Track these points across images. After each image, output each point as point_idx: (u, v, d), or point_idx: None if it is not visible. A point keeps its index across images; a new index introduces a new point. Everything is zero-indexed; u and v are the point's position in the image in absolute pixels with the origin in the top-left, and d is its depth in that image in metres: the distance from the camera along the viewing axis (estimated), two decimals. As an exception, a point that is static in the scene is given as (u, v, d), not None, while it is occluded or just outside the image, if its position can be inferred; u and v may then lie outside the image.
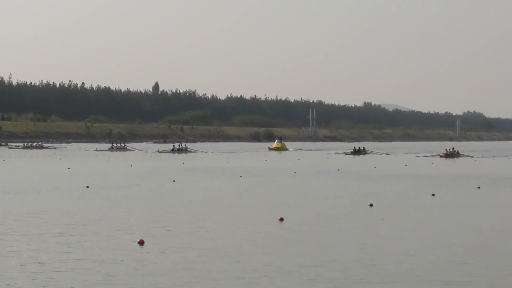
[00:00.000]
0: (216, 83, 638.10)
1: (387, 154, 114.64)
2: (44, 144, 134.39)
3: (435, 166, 73.19)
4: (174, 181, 45.11)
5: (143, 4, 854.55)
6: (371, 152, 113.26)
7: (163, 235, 21.00)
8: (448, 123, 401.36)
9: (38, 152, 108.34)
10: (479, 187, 41.77)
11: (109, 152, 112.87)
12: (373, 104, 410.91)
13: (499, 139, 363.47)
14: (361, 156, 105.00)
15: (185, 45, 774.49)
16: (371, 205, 30.41)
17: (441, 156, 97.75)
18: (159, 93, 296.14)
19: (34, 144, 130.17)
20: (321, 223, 24.37)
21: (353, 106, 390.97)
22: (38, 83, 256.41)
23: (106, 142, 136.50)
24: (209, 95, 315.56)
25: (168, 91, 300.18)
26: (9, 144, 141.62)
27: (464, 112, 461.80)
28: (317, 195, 36.01)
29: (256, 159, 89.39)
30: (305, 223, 24.24)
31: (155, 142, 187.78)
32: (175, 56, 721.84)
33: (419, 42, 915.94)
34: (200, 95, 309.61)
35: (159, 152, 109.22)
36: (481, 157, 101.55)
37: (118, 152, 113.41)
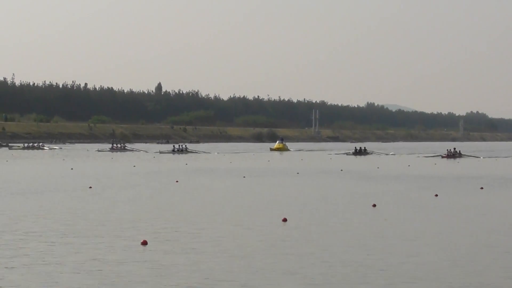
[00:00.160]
0: (219, 84, 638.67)
1: (386, 154, 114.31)
2: (44, 145, 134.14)
3: (438, 166, 73.12)
4: (177, 181, 45.10)
5: (146, 4, 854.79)
6: (372, 153, 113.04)
7: (166, 236, 20.99)
8: (451, 124, 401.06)
9: (39, 153, 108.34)
10: (482, 188, 41.73)
11: (110, 152, 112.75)
12: (376, 104, 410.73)
13: (502, 140, 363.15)
14: (364, 156, 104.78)
15: (188, 46, 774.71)
16: (374, 205, 30.39)
17: (442, 157, 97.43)
18: (162, 93, 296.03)
19: (35, 144, 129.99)
20: (325, 224, 24.37)
21: (356, 106, 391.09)
22: (41, 84, 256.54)
23: (109, 143, 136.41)
24: (212, 96, 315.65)
25: (171, 92, 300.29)
26: (9, 145, 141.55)
27: (467, 113, 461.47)
28: (320, 195, 36.00)
29: (259, 160, 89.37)
30: (308, 224, 24.23)
31: (158, 143, 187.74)
32: (178, 56, 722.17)
33: (422, 42, 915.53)
34: (203, 95, 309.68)
35: (160, 152, 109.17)
36: (485, 157, 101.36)
37: (118, 152, 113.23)
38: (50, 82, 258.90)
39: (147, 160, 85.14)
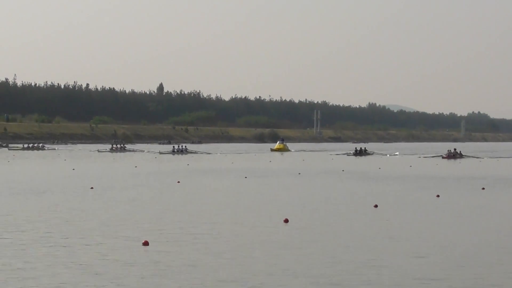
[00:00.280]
0: (220, 84, 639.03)
1: (390, 155, 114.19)
2: (45, 146, 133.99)
3: (439, 167, 73.10)
4: (178, 182, 45.12)
5: (148, 5, 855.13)
6: (373, 153, 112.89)
7: (168, 236, 20.99)
8: (452, 124, 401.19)
9: (39, 153, 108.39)
10: (483, 188, 41.71)
11: (110, 153, 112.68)
12: (377, 105, 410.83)
13: (503, 140, 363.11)
14: (366, 157, 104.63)
15: (190, 46, 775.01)
16: (376, 206, 30.39)
17: (443, 157, 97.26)
18: (164, 94, 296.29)
19: (35, 145, 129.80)
20: (326, 224, 24.37)
21: (357, 107, 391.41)
22: (42, 84, 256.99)
23: (111, 143, 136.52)
24: (213, 96, 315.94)
25: (172, 92, 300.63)
26: (9, 145, 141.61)
27: (468, 113, 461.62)
28: (322, 196, 36.00)
29: (261, 160, 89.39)
30: (310, 224, 24.23)
31: (160, 143, 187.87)
32: (179, 57, 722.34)
33: (423, 42, 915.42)
34: (205, 96, 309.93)
35: (160, 153, 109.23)
36: (487, 158, 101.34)
37: (118, 153, 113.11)
38: (52, 82, 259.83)
39: (149, 160, 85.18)
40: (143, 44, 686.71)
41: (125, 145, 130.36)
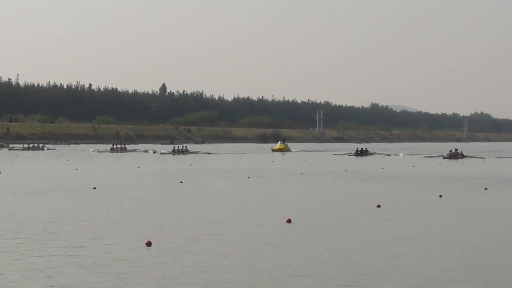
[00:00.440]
0: (223, 84, 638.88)
1: (394, 155, 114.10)
2: (44, 146, 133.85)
3: (442, 167, 73.07)
4: (181, 182, 45.14)
5: (150, 5, 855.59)
6: (374, 153, 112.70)
7: (171, 237, 21.00)
8: (455, 124, 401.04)
9: (40, 154, 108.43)
10: (486, 188, 41.69)
11: (110, 153, 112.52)
12: (380, 105, 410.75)
13: (506, 140, 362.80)
14: (368, 157, 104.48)
15: (192, 46, 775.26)
16: (378, 206, 30.39)
17: (444, 157, 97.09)
18: (166, 94, 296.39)
19: (35, 145, 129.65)
20: (329, 224, 24.37)
21: (360, 107, 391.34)
22: (45, 85, 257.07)
23: (114, 144, 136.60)
24: (216, 96, 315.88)
25: (175, 92, 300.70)
26: (10, 145, 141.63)
27: (471, 113, 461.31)
28: (325, 196, 35.99)
29: (263, 160, 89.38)
30: (313, 224, 24.22)
31: (162, 143, 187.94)
32: (182, 57, 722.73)
33: (426, 42, 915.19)
34: (207, 96, 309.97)
35: (160, 153, 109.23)
36: (490, 158, 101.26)
37: (119, 153, 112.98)
38: (54, 82, 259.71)
39: (151, 161, 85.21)
40: (146, 44, 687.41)
41: (125, 145, 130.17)
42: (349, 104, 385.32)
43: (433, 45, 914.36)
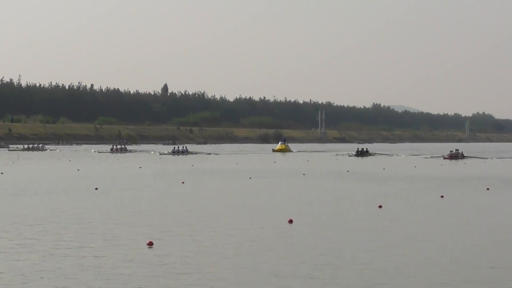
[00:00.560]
0: (225, 85, 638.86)
1: (390, 155, 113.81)
2: (44, 146, 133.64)
3: (444, 167, 73.06)
4: (183, 182, 45.16)
5: (152, 6, 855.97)
6: (374, 154, 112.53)
7: (172, 237, 21.02)
8: (457, 125, 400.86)
9: (41, 154, 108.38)
10: (488, 189, 41.69)
11: (110, 154, 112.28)
12: (382, 105, 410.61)
13: (508, 141, 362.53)
14: (369, 157, 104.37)
15: (194, 47, 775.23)
16: (380, 206, 30.41)
17: (444, 158, 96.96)
18: (168, 94, 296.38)
19: (35, 146, 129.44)
20: (331, 225, 24.38)
21: (362, 107, 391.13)
22: (47, 85, 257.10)
23: (116, 144, 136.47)
24: (218, 97, 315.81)
25: (177, 93, 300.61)
26: (10, 146, 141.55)
27: (473, 114, 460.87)
28: (326, 196, 36.01)
29: (265, 161, 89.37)
30: (314, 225, 24.24)
31: (164, 144, 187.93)
32: (184, 57, 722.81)
33: (428, 43, 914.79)
34: (209, 96, 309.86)
35: (160, 154, 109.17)
36: (491, 158, 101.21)
37: (118, 154, 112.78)
38: (56, 83, 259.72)
39: (153, 161, 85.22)
40: (148, 45, 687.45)
41: (126, 146, 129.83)
42: (351, 105, 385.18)
43: (435, 46, 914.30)
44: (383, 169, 66.72)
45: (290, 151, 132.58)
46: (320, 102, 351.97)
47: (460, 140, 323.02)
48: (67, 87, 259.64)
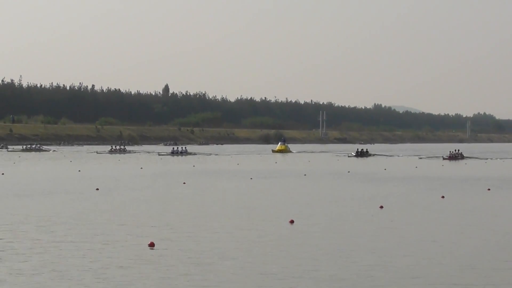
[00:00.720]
0: (226, 85, 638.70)
1: (390, 156, 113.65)
2: (42, 146, 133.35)
3: (445, 168, 73.06)
4: (184, 183, 45.16)
5: (153, 6, 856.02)
6: (374, 155, 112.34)
7: (174, 238, 21.03)
8: (458, 125, 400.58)
9: (41, 155, 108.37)
10: (489, 189, 41.70)
11: (109, 154, 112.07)
12: (383, 106, 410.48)
13: (509, 141, 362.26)
14: (369, 158, 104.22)
15: (195, 47, 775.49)
16: (381, 207, 30.42)
17: (444, 158, 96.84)
18: (169, 95, 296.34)
19: (33, 146, 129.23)
20: (332, 225, 24.39)
21: (363, 108, 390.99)
22: (48, 86, 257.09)
23: (118, 145, 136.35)
24: (219, 97, 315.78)
25: (178, 93, 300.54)
26: (8, 146, 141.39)
27: (474, 114, 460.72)
28: (327, 197, 36.02)
29: (266, 162, 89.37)
30: (315, 225, 24.24)
31: (165, 144, 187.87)
32: (185, 58, 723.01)
33: (429, 43, 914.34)
34: (210, 97, 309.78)
35: (158, 154, 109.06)
36: (491, 159, 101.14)
37: (118, 154, 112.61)
38: (57, 84, 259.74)
39: (154, 162, 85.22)
40: (149, 45, 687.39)
41: (125, 147, 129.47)
42: (352, 105, 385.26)
43: (436, 46, 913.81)
44: (384, 170, 66.72)
45: (289, 151, 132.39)
46: (321, 103, 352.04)
47: (461, 141, 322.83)
48: (68, 88, 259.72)
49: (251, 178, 51.05)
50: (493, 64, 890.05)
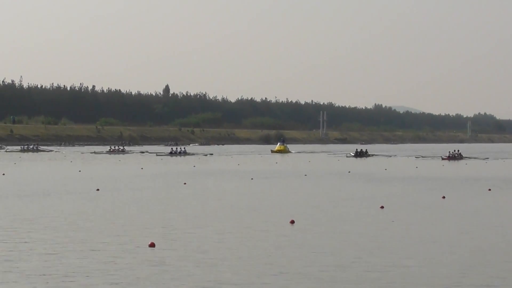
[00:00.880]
0: (226, 86, 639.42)
1: (389, 156, 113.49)
2: (39, 147, 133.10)
3: (445, 168, 73.05)
4: (185, 183, 45.15)
5: (153, 7, 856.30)
6: (373, 155, 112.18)
7: (174, 238, 21.03)
8: (459, 125, 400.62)
9: (42, 155, 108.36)
10: (489, 189, 41.68)
11: (108, 155, 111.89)
12: (383, 106, 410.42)
13: (510, 141, 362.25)
14: (368, 158, 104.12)
15: (196, 48, 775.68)
16: (382, 207, 30.41)
17: (443, 159, 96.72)
18: (170, 95, 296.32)
19: (31, 147, 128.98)
20: (332, 225, 24.38)
21: (363, 108, 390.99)
22: (49, 86, 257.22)
23: (119, 145, 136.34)
24: (219, 98, 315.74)
25: (178, 94, 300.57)
26: (6, 147, 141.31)
27: (475, 114, 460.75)
28: (328, 197, 36.02)
29: (267, 162, 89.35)
30: (316, 225, 24.23)
31: (166, 145, 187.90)
32: (185, 58, 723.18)
33: (429, 43, 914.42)
34: (211, 97, 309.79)
35: (157, 155, 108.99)
36: (490, 159, 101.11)
37: (116, 155, 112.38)
38: (58, 84, 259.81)
39: (155, 162, 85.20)
40: (149, 46, 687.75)
41: (124, 147, 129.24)
42: (352, 105, 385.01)
43: (436, 46, 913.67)
44: (384, 170, 66.71)
45: (289, 152, 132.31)
46: (321, 103, 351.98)
47: (461, 141, 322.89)
48: (68, 88, 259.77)
49: (251, 179, 51.04)
50: (493, 64, 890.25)
